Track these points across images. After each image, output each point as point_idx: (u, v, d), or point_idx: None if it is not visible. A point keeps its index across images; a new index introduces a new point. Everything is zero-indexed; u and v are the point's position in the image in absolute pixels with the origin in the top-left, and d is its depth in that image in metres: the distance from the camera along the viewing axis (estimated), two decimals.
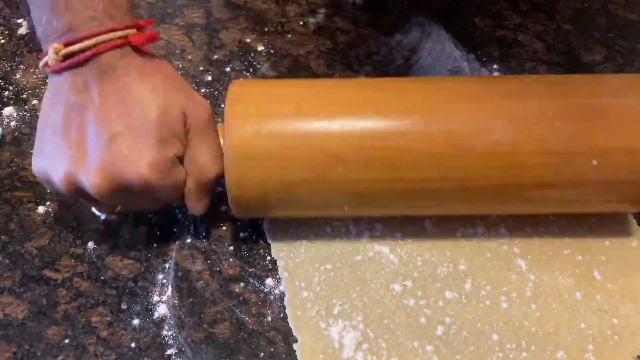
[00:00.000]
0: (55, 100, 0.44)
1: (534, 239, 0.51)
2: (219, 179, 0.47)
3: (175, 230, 0.51)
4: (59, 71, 0.43)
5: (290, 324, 0.47)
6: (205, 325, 0.47)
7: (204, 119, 0.46)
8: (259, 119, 0.45)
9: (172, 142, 0.44)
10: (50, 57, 0.42)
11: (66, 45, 0.42)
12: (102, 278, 0.49)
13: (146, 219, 0.52)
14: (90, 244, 0.50)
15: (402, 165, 0.44)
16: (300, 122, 0.45)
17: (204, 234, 0.51)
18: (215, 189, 0.48)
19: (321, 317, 0.47)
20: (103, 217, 0.52)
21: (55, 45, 0.42)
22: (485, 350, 0.46)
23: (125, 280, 0.49)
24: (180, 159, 0.45)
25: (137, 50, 0.44)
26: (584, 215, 0.51)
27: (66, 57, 0.42)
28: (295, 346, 0.46)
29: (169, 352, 0.46)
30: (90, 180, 0.42)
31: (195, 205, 0.47)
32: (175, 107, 0.44)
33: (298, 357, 0.45)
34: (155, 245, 0.51)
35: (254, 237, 0.51)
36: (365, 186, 0.45)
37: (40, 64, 0.44)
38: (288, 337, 0.46)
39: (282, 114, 0.45)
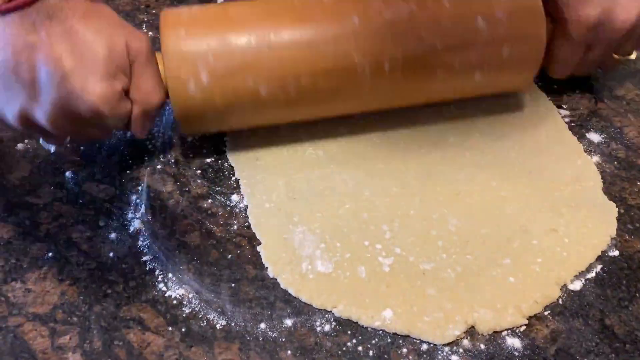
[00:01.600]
0: (3, 42, 0.45)
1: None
2: (162, 106, 0.52)
3: (145, 158, 0.56)
4: (4, 12, 0.45)
5: (254, 229, 0.52)
6: (177, 236, 0.51)
7: (145, 49, 0.50)
8: (191, 29, 0.51)
9: (120, 77, 0.48)
10: None
11: None
12: (80, 201, 0.53)
13: (118, 150, 0.56)
14: (68, 173, 0.55)
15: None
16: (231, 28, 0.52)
17: (172, 161, 0.56)
18: (158, 115, 0.52)
19: (282, 224, 0.52)
20: (52, 149, 0.57)
21: None
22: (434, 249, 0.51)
23: (102, 201, 0.53)
24: (127, 91, 0.49)
25: None
26: None
27: None
28: (259, 248, 0.51)
29: (144, 259, 0.50)
30: (46, 115, 0.46)
31: (140, 131, 0.52)
32: (120, 43, 0.48)
33: (262, 257, 0.50)
34: (128, 172, 0.55)
35: (219, 161, 0.56)
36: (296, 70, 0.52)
37: None
38: (253, 241, 0.51)
39: (213, 23, 0.52)
